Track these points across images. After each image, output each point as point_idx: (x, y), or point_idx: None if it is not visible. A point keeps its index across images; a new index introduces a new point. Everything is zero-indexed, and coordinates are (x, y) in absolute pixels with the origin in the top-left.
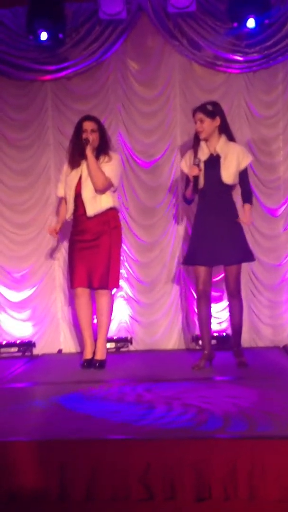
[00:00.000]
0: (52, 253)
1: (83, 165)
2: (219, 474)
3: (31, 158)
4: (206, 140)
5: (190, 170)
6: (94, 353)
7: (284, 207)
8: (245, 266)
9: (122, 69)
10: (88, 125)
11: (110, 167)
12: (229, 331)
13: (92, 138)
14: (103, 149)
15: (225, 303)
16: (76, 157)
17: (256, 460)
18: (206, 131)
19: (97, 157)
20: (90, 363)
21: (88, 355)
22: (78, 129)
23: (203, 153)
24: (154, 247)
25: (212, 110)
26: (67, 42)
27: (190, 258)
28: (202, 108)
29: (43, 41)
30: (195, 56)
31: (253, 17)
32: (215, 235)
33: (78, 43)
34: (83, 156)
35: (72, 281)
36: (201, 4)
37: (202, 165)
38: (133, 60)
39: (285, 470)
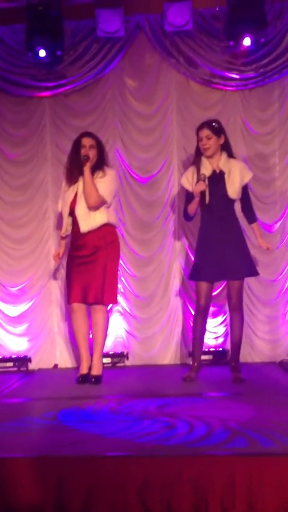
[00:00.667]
0: (49, 268)
1: (80, 182)
2: (217, 490)
3: (29, 173)
4: (210, 157)
5: (197, 186)
6: (90, 368)
7: (279, 222)
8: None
9: (119, 86)
10: (87, 141)
11: (105, 184)
12: (227, 346)
13: (91, 154)
14: (99, 165)
15: (221, 318)
16: (74, 173)
17: (253, 477)
18: (212, 148)
19: (92, 173)
20: (85, 379)
21: (84, 370)
22: (77, 145)
23: (207, 170)
24: (151, 261)
25: (218, 128)
26: (65, 59)
27: (196, 273)
28: (209, 125)
29: (41, 58)
30: (192, 74)
31: (249, 36)
32: (221, 250)
33: (76, 60)
34: (81, 173)
35: (69, 297)
36: (197, 22)
37: (207, 181)
38: (130, 77)
39: (282, 486)
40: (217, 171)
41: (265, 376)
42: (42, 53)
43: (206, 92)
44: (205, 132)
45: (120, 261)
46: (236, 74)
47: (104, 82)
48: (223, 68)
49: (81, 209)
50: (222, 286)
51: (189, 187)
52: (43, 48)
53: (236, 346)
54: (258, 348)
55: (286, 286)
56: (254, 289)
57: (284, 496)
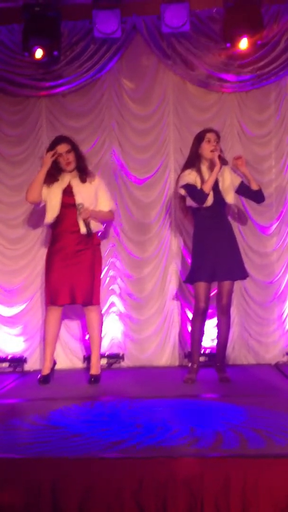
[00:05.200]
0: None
1: (63, 179)
2: (211, 492)
3: (25, 173)
4: (207, 162)
5: (214, 155)
6: (89, 368)
7: (275, 225)
8: (237, 283)
9: (116, 87)
10: (62, 148)
11: (103, 191)
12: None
13: (69, 158)
14: (82, 167)
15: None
16: (53, 177)
17: (248, 479)
18: (218, 152)
19: (82, 178)
20: (47, 379)
21: (46, 370)
22: (53, 153)
23: (207, 175)
24: (147, 263)
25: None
26: (62, 60)
27: (193, 275)
28: (216, 131)
29: (38, 58)
30: (189, 75)
31: (246, 38)
32: (215, 251)
33: (73, 60)
34: (60, 175)
35: (55, 299)
36: (194, 24)
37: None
38: (127, 78)
39: (277, 488)
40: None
41: (260, 378)
42: (39, 53)
43: (202, 93)
44: (213, 135)
45: (117, 262)
46: (233, 76)
47: (101, 83)
48: (220, 70)
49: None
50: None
51: (194, 182)
52: (40, 48)
53: (222, 347)
54: (254, 350)
55: (282, 288)
56: (250, 291)
57: (278, 497)
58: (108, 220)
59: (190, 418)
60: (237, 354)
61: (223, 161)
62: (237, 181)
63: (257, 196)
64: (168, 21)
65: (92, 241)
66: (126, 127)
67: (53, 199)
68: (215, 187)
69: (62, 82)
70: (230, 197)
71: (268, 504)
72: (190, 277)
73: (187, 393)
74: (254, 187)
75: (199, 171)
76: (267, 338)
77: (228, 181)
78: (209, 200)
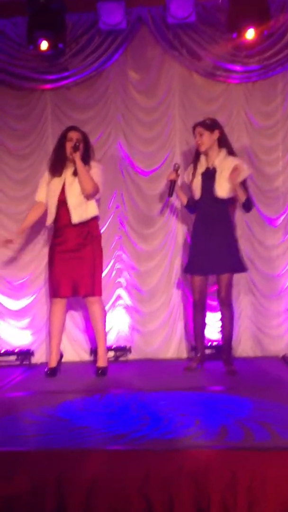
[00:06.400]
0: None
1: (65, 173)
2: (218, 485)
3: (30, 167)
4: (206, 153)
5: (169, 174)
6: (96, 361)
7: (283, 217)
8: (244, 275)
9: (121, 79)
10: (73, 135)
11: (94, 172)
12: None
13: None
14: (85, 159)
15: None
16: (57, 166)
17: (256, 471)
18: (205, 144)
19: (75, 171)
20: (54, 372)
21: (52, 363)
22: (63, 139)
23: (201, 166)
24: (153, 256)
25: (211, 123)
26: (67, 52)
27: (188, 267)
28: (201, 123)
29: (43, 51)
30: (195, 66)
31: (252, 28)
32: (209, 246)
33: (78, 53)
34: (65, 165)
35: (57, 291)
36: (200, 15)
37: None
38: (132, 70)
39: (284, 481)
40: (210, 168)
41: (267, 371)
42: (44, 45)
43: (209, 85)
44: (197, 129)
45: (123, 255)
46: (239, 67)
47: (106, 75)
48: (226, 61)
49: (73, 200)
50: None
51: (187, 181)
52: (45, 40)
53: (227, 339)
54: (261, 342)
55: None
56: (257, 284)
57: (285, 492)
58: (89, 185)
59: (196, 410)
60: (244, 346)
61: (170, 191)
62: (240, 177)
63: (244, 207)
64: (173, 12)
65: (92, 234)
66: (131, 119)
67: (51, 199)
68: (209, 179)
69: (67, 75)
70: (221, 191)
71: (274, 498)
72: (186, 267)
73: (193, 385)
74: (240, 200)
75: (195, 165)
76: (274, 330)
77: (226, 175)
78: (197, 193)
